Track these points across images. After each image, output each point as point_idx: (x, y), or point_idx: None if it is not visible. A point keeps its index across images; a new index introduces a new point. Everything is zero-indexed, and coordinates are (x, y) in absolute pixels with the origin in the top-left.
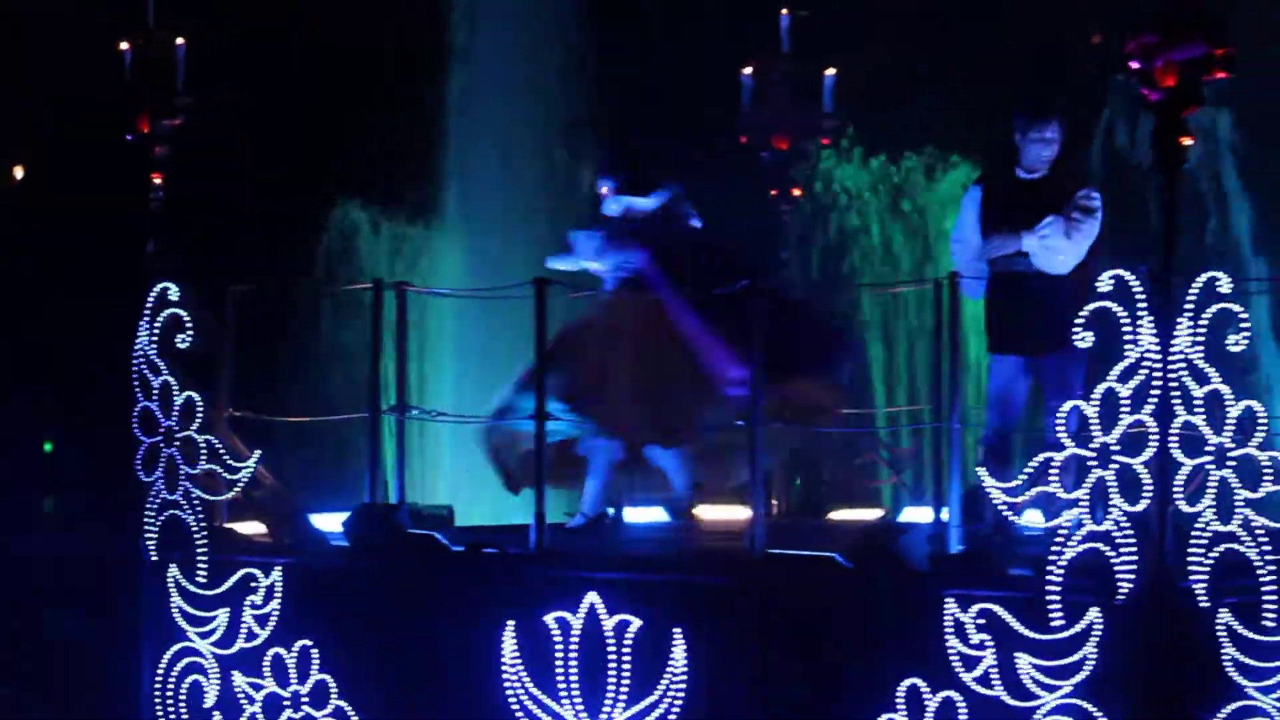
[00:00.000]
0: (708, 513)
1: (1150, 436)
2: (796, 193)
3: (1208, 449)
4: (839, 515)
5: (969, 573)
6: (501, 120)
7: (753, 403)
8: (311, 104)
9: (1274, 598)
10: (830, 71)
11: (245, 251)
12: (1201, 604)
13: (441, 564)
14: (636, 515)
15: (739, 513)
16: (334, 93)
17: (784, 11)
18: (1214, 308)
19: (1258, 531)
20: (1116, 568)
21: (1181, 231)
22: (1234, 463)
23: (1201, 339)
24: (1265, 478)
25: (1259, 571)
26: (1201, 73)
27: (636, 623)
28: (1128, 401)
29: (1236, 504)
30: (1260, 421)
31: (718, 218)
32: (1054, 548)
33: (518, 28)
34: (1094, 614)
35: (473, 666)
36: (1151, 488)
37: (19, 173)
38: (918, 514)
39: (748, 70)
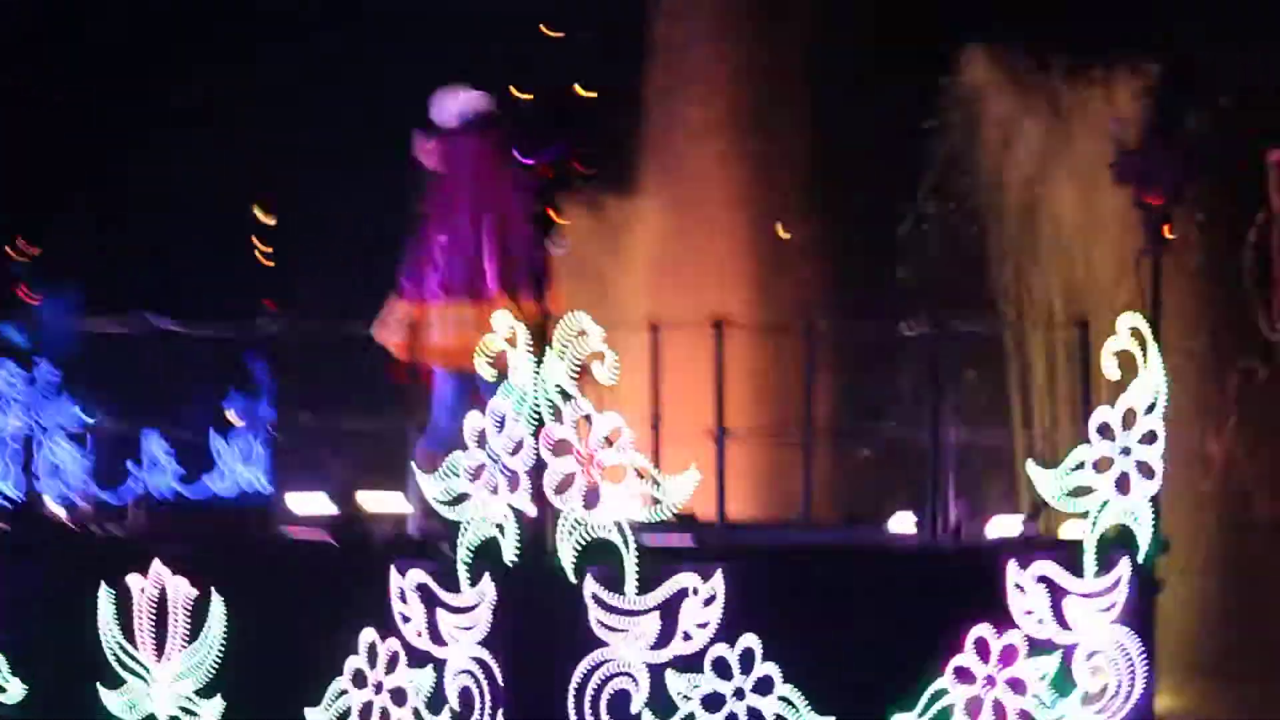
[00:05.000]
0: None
1: (527, 444)
2: None
3: (578, 455)
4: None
5: (411, 548)
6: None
7: None
8: None
9: (635, 571)
10: None
11: None
12: (569, 576)
13: (57, 536)
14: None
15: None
16: None
17: None
18: (580, 344)
19: (620, 520)
20: (504, 545)
21: None
22: (600, 465)
23: (574, 369)
24: (631, 476)
25: (620, 551)
26: (567, 163)
27: (188, 584)
28: (515, 418)
29: (603, 498)
30: (627, 434)
31: None
32: (461, 528)
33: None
34: (488, 582)
35: (83, 620)
36: (530, 484)
37: None
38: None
39: None
